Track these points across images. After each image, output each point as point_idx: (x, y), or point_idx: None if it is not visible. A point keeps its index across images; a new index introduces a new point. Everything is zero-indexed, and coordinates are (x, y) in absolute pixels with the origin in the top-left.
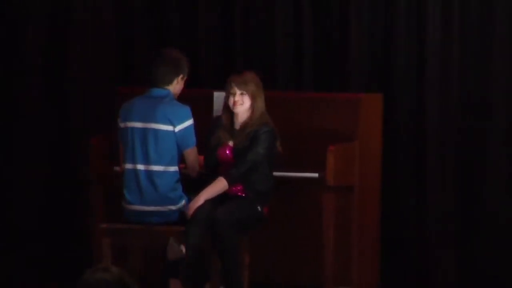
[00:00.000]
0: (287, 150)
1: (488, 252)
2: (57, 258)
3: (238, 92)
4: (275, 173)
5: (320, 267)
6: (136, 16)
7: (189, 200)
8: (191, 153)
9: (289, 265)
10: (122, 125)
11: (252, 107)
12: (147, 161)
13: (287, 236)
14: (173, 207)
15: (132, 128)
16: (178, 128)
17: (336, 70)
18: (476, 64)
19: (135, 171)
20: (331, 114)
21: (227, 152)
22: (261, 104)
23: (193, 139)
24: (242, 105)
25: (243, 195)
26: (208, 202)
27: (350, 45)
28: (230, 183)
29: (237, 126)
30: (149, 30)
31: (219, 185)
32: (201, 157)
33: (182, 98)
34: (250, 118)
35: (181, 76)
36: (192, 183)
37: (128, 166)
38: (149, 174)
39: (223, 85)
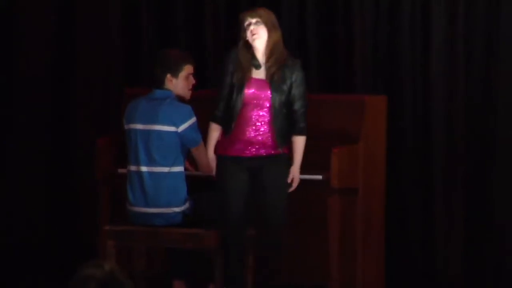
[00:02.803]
0: (291, 151)
1: (495, 254)
2: (62, 260)
3: (252, 21)
4: None
5: (326, 268)
6: (144, 18)
7: (194, 202)
8: (200, 150)
9: (294, 267)
10: (126, 127)
11: (270, 39)
12: (150, 163)
13: (292, 238)
14: (177, 209)
15: (135, 130)
16: (181, 128)
17: (341, 71)
18: (482, 65)
19: (139, 173)
20: (335, 116)
21: (253, 90)
22: (278, 37)
23: (198, 136)
24: (260, 37)
25: (281, 151)
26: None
27: (355, 47)
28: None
29: (260, 61)
30: (156, 32)
31: (303, 143)
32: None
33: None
34: (271, 52)
35: (168, 75)
36: (197, 185)
37: (132, 168)
38: (153, 175)
39: None
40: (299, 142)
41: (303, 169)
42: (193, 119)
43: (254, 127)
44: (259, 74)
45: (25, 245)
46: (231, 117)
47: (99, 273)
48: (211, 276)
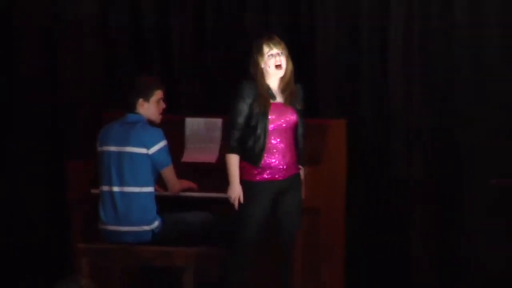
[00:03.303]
0: None
1: (458, 270)
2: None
3: (278, 51)
4: None
5: (291, 280)
6: (121, 46)
7: (163, 221)
8: (169, 171)
9: (262, 283)
10: (99, 149)
11: (288, 70)
12: (122, 183)
13: (258, 255)
14: (147, 228)
15: (108, 152)
16: (152, 150)
17: (305, 97)
18: (438, 86)
19: (111, 192)
20: None
21: (274, 117)
22: (292, 67)
23: (168, 158)
24: (283, 68)
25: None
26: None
27: (317, 74)
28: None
29: (275, 89)
30: (133, 59)
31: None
32: (184, 182)
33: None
34: (289, 81)
35: (140, 100)
36: (166, 204)
37: (105, 188)
38: (124, 195)
39: (195, 112)
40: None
41: None
42: (163, 142)
43: (283, 152)
44: (275, 101)
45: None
46: (261, 147)
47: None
48: None
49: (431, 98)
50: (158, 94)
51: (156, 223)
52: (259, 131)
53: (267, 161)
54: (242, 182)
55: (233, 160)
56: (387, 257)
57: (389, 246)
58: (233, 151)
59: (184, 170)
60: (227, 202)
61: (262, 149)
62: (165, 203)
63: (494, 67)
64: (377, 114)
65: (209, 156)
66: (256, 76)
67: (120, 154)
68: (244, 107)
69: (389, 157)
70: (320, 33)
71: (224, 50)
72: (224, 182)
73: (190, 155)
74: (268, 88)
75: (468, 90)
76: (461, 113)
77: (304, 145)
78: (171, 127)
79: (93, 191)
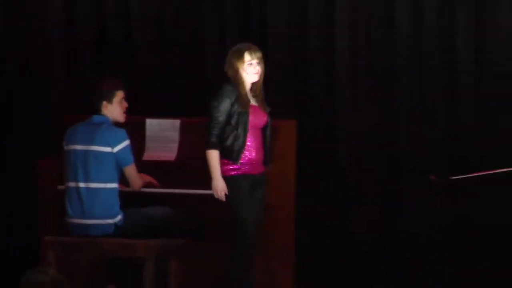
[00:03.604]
0: (205, 171)
1: (404, 267)
2: (12, 269)
3: (257, 60)
4: (194, 191)
5: None
6: (84, 50)
7: (125, 215)
8: (131, 169)
9: (216, 274)
10: (66, 148)
11: (262, 75)
12: (88, 179)
13: (214, 246)
14: (110, 221)
15: (75, 150)
16: (116, 149)
17: None
18: (381, 89)
19: (77, 188)
20: None
21: (262, 119)
22: (263, 70)
23: (131, 157)
24: (260, 74)
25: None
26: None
27: (268, 77)
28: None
29: (250, 93)
30: (96, 63)
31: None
32: (146, 176)
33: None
34: (261, 85)
35: (104, 103)
36: (129, 200)
37: (71, 184)
38: (90, 191)
39: (156, 113)
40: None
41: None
42: (127, 142)
43: (256, 149)
44: (251, 103)
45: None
46: (241, 145)
47: (47, 278)
48: (141, 282)
49: (375, 100)
50: (119, 95)
51: (119, 217)
52: (239, 130)
53: (244, 157)
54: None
55: (214, 156)
56: (334, 253)
57: (336, 244)
58: (214, 147)
59: (145, 167)
60: (185, 196)
61: (242, 147)
62: (128, 198)
63: (432, 71)
64: (326, 115)
65: (169, 154)
66: (235, 80)
67: (86, 152)
68: (226, 107)
69: (338, 157)
70: (270, 37)
71: (183, 51)
72: (182, 178)
73: (151, 154)
74: (246, 91)
75: (408, 93)
76: (402, 115)
77: (270, 144)
78: (133, 127)
79: (60, 187)
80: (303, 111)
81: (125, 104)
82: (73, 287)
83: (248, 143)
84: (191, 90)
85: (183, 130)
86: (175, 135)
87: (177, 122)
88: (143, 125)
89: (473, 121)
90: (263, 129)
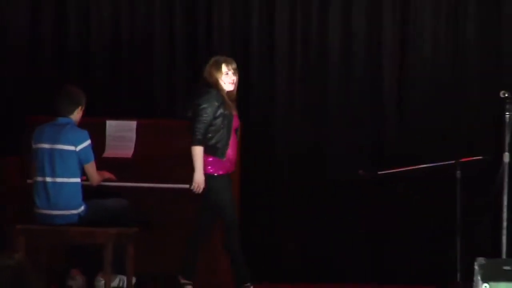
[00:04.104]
0: (166, 167)
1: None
2: None
3: (232, 72)
4: (157, 185)
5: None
6: (45, 59)
7: (88, 206)
8: (91, 167)
9: (167, 258)
10: (34, 146)
11: (236, 84)
12: (54, 175)
13: (164, 234)
14: (74, 211)
15: (42, 149)
16: (79, 147)
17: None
18: (314, 92)
19: (44, 182)
20: None
21: (236, 122)
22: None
23: (91, 156)
24: (234, 84)
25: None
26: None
27: None
28: None
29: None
30: (56, 68)
31: None
32: (105, 172)
33: (80, 125)
34: (232, 91)
35: (80, 107)
36: (90, 193)
37: (39, 178)
38: (55, 184)
39: (113, 114)
40: None
41: (174, 180)
42: (88, 141)
43: (234, 150)
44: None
45: None
46: (225, 143)
47: (12, 262)
48: (101, 266)
49: (310, 105)
50: (85, 102)
51: (82, 208)
52: (223, 131)
53: (230, 155)
54: (208, 176)
55: (199, 151)
56: (270, 240)
57: (273, 231)
58: (199, 144)
59: (105, 163)
60: (141, 190)
61: (226, 146)
62: (90, 191)
63: (359, 82)
64: (265, 116)
65: (126, 152)
66: (216, 86)
67: (52, 150)
68: (213, 109)
69: (275, 156)
70: (216, 42)
71: (138, 57)
72: (138, 173)
73: (110, 151)
74: (226, 99)
75: (339, 94)
76: (332, 115)
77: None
78: (94, 128)
79: (29, 181)
80: (246, 115)
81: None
82: (40, 271)
83: (231, 145)
84: (144, 96)
85: (139, 130)
86: (132, 135)
87: (134, 123)
88: (103, 126)
89: (396, 124)
90: (235, 131)
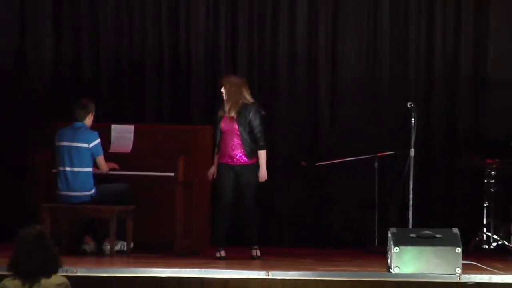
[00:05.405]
0: (157, 160)
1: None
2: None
3: (223, 89)
4: (152, 174)
5: (173, 230)
6: (65, 79)
7: (97, 189)
8: (101, 159)
9: (157, 229)
10: (56, 144)
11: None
12: (71, 165)
13: (155, 210)
14: (87, 193)
15: (63, 146)
16: (91, 145)
17: (185, 108)
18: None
19: (64, 171)
20: (182, 138)
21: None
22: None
23: (101, 151)
24: (226, 98)
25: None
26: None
27: (192, 91)
28: None
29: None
30: (73, 85)
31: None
32: (111, 164)
33: (91, 127)
34: (226, 101)
35: (90, 114)
36: (99, 179)
37: (60, 168)
38: (73, 173)
39: (116, 120)
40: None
41: (163, 169)
42: (98, 140)
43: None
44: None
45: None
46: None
47: (34, 231)
48: (107, 234)
49: (264, 103)
50: (94, 110)
51: (93, 191)
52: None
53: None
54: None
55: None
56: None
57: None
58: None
59: (111, 157)
60: (137, 177)
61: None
62: (99, 178)
63: (301, 88)
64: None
65: (126, 148)
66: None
67: (70, 147)
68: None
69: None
70: (192, 59)
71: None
72: (136, 164)
73: (115, 148)
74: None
75: (285, 101)
76: (280, 111)
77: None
78: (103, 130)
79: (53, 170)
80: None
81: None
82: (60, 238)
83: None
84: (140, 105)
85: (136, 132)
86: (130, 136)
87: (132, 127)
88: (109, 129)
89: (330, 125)
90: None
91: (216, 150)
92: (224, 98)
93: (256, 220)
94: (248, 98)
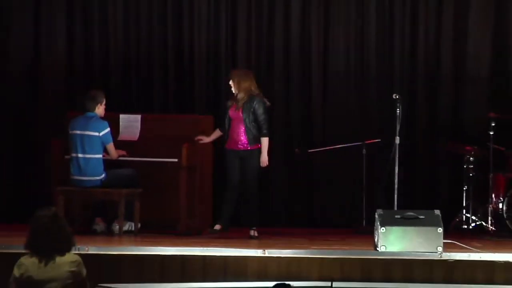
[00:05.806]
0: (162, 147)
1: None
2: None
3: (231, 82)
4: (157, 160)
5: (177, 211)
6: (78, 73)
7: (107, 174)
8: (111, 146)
9: (162, 210)
10: (70, 132)
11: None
12: (84, 152)
13: (160, 193)
14: (97, 178)
15: (76, 134)
16: (101, 133)
17: (188, 99)
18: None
19: (77, 157)
20: (185, 127)
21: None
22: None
23: (111, 139)
24: (234, 91)
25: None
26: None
27: (195, 84)
28: None
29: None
30: (86, 78)
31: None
32: (120, 151)
33: (102, 117)
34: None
35: (98, 104)
36: (108, 165)
37: (73, 154)
38: (85, 159)
39: (125, 110)
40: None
41: (168, 155)
42: (108, 129)
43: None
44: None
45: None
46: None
47: (49, 213)
48: (116, 215)
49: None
50: (104, 100)
51: (103, 175)
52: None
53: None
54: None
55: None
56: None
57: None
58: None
59: (120, 144)
60: (144, 163)
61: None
62: (109, 163)
63: (295, 79)
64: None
65: (133, 136)
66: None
67: (82, 135)
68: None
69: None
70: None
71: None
72: (142, 151)
73: (123, 136)
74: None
75: (280, 84)
76: (276, 102)
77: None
78: (112, 119)
79: (67, 156)
80: (218, 109)
81: (104, 106)
82: (73, 219)
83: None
84: (146, 96)
85: (143, 121)
86: (137, 125)
87: (138, 116)
88: (118, 118)
89: (322, 113)
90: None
91: (225, 136)
92: (232, 90)
93: (256, 203)
94: (254, 89)
